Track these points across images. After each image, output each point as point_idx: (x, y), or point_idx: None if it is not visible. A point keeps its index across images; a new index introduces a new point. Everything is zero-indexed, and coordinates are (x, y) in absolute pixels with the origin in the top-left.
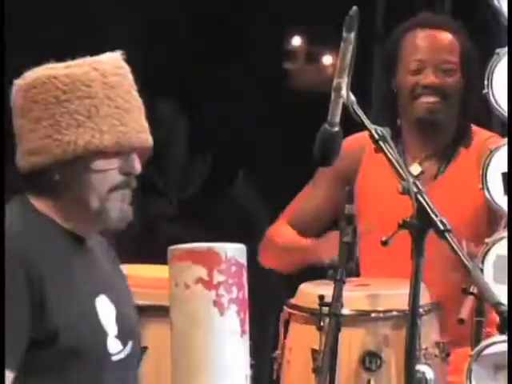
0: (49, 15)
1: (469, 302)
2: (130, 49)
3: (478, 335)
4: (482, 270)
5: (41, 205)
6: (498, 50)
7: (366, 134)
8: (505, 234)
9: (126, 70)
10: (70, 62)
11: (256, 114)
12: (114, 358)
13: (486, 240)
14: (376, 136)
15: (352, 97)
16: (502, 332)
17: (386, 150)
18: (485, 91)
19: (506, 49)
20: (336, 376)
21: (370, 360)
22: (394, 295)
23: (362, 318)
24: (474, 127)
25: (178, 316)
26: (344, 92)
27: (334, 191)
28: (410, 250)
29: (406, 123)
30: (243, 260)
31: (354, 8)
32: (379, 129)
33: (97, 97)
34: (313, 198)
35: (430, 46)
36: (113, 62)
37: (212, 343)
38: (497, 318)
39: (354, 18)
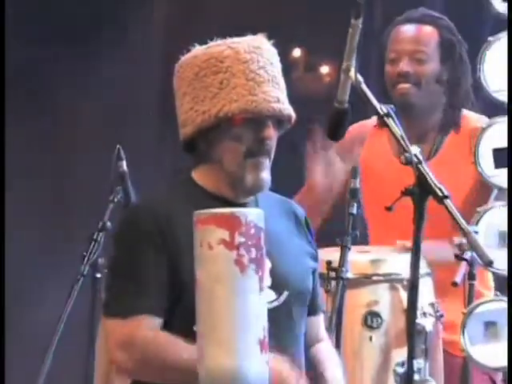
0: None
1: (462, 267)
2: None
3: (470, 296)
4: (477, 233)
5: (197, 175)
6: (490, 38)
7: (368, 121)
8: (494, 203)
9: (266, 49)
10: (212, 43)
11: None
12: (269, 306)
13: (478, 209)
14: (381, 112)
15: (359, 77)
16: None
17: (391, 125)
18: (477, 75)
19: (498, 35)
20: (342, 334)
21: (372, 319)
22: (393, 260)
23: (364, 280)
24: (464, 111)
25: (203, 273)
26: (352, 73)
27: (343, 171)
28: (409, 219)
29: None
30: (261, 224)
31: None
32: (384, 106)
33: (228, 71)
34: (321, 182)
35: (407, 37)
36: (250, 42)
37: (233, 298)
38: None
39: (361, 6)
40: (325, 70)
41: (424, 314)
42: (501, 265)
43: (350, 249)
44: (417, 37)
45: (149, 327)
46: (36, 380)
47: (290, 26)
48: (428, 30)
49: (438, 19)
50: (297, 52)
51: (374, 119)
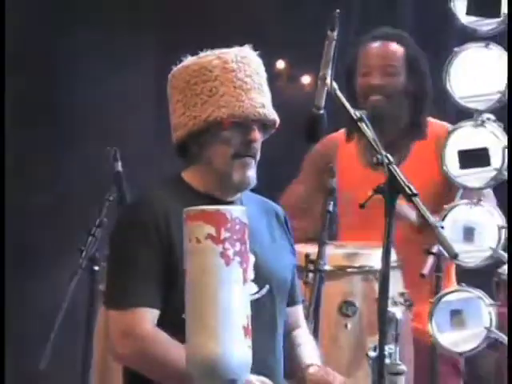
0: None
1: (430, 260)
2: None
3: (437, 287)
4: (443, 228)
5: (188, 175)
6: (455, 49)
7: (337, 133)
8: (460, 201)
9: (252, 60)
10: (202, 54)
11: None
12: (251, 298)
13: (445, 206)
14: (355, 117)
15: (334, 84)
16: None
17: (364, 129)
18: (444, 83)
19: (463, 46)
20: (319, 321)
21: (347, 307)
22: (366, 254)
23: (340, 272)
24: (430, 119)
25: (191, 266)
26: (328, 81)
27: (317, 181)
28: (377, 218)
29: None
30: (245, 220)
31: (337, 11)
32: (358, 111)
33: (217, 79)
34: (301, 188)
35: (377, 53)
36: (237, 52)
37: (219, 288)
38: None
39: (336, 19)
40: (306, 80)
41: (395, 302)
42: (465, 258)
43: (326, 243)
44: (386, 52)
45: (148, 319)
46: (38, 364)
47: (275, 40)
48: (395, 46)
49: (402, 37)
50: (280, 64)
51: (340, 132)
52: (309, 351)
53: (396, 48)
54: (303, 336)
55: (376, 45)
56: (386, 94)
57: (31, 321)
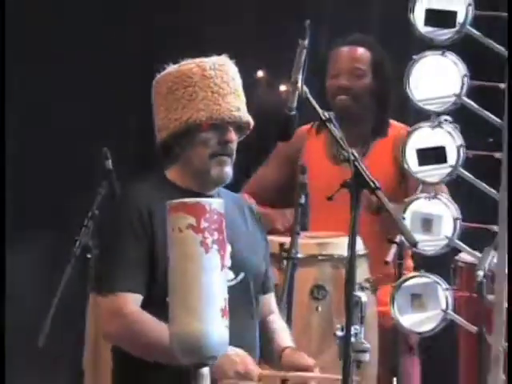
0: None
1: (393, 249)
2: None
3: (399, 273)
4: (404, 219)
5: (170, 172)
6: (414, 56)
7: (306, 126)
8: (419, 195)
9: (228, 67)
10: (182, 62)
11: None
12: (228, 284)
13: (405, 200)
14: (323, 117)
15: (305, 88)
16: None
17: (331, 128)
18: (404, 87)
19: (421, 54)
20: (292, 304)
21: (318, 291)
22: (335, 243)
23: (311, 260)
24: (391, 121)
25: (174, 253)
26: (299, 85)
27: (284, 168)
28: (344, 210)
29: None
30: (222, 211)
31: (307, 21)
32: (326, 112)
33: (196, 85)
34: (269, 173)
35: (345, 56)
36: (215, 61)
37: (199, 273)
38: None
39: (306, 29)
40: (282, 87)
41: (361, 287)
42: (424, 246)
43: (299, 234)
44: (354, 56)
45: (134, 303)
46: (36, 341)
47: (255, 52)
48: (362, 50)
49: (370, 42)
50: (260, 73)
51: (309, 126)
52: (283, 336)
53: (363, 52)
54: (277, 321)
55: (345, 49)
56: (352, 95)
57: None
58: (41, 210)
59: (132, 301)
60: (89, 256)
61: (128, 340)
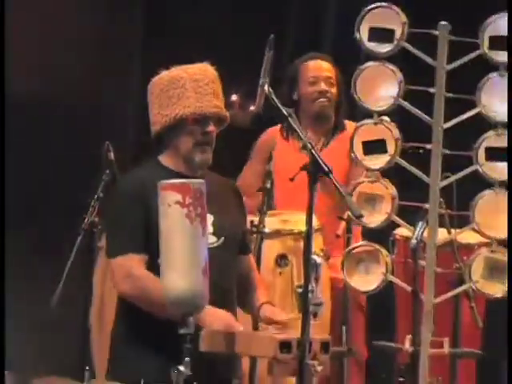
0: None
1: (342, 225)
2: None
3: (348, 244)
4: (351, 196)
5: (163, 158)
6: (360, 67)
7: (277, 127)
8: (363, 179)
9: (210, 72)
10: (173, 68)
11: None
12: (211, 246)
13: (352, 182)
14: (285, 113)
15: (271, 90)
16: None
17: (292, 122)
18: (352, 92)
19: (364, 65)
20: (261, 270)
21: (281, 260)
22: (295, 220)
23: (276, 234)
24: (346, 121)
25: (164, 224)
26: (266, 88)
27: (262, 163)
28: (304, 194)
29: (305, 118)
30: (204, 190)
31: (272, 36)
32: (287, 109)
33: (183, 87)
34: (251, 171)
35: (321, 67)
36: (200, 67)
37: (185, 240)
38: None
39: (271, 42)
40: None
41: (316, 255)
42: (368, 221)
43: (266, 213)
44: (326, 67)
45: (141, 263)
46: (51, 301)
47: (231, 78)
48: (328, 64)
49: (329, 57)
50: (234, 97)
51: (279, 126)
52: (261, 292)
53: (330, 65)
54: (256, 278)
55: (319, 61)
56: (328, 98)
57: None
58: (59, 194)
59: (138, 262)
60: (95, 230)
61: (138, 296)
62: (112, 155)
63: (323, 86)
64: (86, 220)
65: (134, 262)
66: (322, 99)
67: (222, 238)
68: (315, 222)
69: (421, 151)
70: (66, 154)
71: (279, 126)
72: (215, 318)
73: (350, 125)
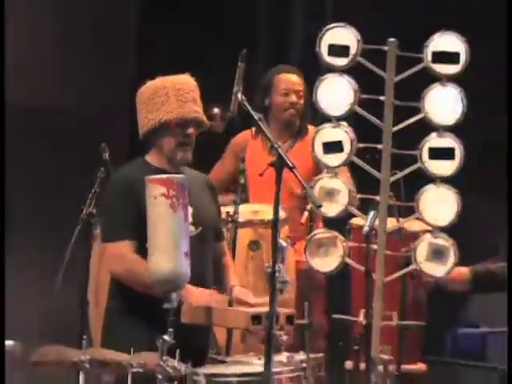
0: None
1: (306, 214)
2: None
3: (310, 230)
4: (312, 188)
5: (149, 157)
6: (320, 77)
7: (248, 130)
8: (323, 175)
9: (190, 83)
10: (157, 78)
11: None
12: (190, 235)
13: (314, 178)
14: (256, 118)
15: (244, 97)
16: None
17: (262, 126)
18: (314, 100)
19: (324, 76)
20: (236, 254)
21: (253, 245)
22: (265, 210)
23: (248, 223)
24: (309, 125)
25: (151, 213)
26: (239, 95)
27: (234, 162)
28: (272, 188)
29: (275, 123)
30: (185, 184)
31: (244, 50)
32: (257, 114)
33: (167, 95)
34: (223, 168)
35: (290, 80)
36: (181, 78)
37: (169, 227)
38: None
39: (244, 56)
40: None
41: (283, 240)
42: (327, 211)
43: (239, 204)
44: (296, 81)
45: (131, 249)
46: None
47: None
48: (300, 78)
49: (298, 71)
50: (215, 110)
51: (250, 130)
52: (233, 276)
53: (299, 78)
54: (229, 263)
55: (288, 75)
56: (296, 109)
57: None
58: (59, 189)
59: (129, 247)
60: (92, 221)
61: (130, 278)
62: (107, 155)
63: (294, 98)
64: (84, 211)
65: (124, 247)
66: (291, 110)
67: (200, 228)
68: (282, 213)
69: (377, 156)
70: (66, 155)
71: (251, 130)
72: (196, 294)
73: (311, 129)
